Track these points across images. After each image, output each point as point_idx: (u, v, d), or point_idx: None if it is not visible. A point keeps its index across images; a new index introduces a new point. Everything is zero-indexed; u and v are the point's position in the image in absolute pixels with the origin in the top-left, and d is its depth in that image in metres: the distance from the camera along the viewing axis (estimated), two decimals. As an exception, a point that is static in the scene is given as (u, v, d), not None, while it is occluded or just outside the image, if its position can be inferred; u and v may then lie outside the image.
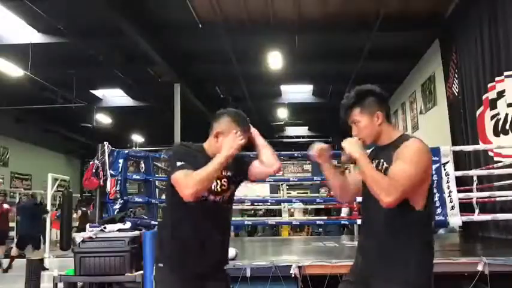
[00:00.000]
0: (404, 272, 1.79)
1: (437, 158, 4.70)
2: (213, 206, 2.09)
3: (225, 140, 2.02)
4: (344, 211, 8.63)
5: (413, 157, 1.78)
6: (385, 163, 1.88)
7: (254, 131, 2.20)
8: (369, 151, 2.07)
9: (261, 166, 2.22)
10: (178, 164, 1.95)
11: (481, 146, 6.16)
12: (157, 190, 6.22)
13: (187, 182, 1.89)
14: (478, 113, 6.62)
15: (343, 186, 2.06)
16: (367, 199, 1.95)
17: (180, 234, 2.06)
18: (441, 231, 7.15)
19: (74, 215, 15.19)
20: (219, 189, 2.10)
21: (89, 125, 14.53)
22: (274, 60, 9.76)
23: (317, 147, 2.00)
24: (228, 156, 1.97)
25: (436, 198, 4.68)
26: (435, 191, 4.68)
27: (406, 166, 1.76)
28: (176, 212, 2.07)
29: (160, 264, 2.06)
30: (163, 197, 2.44)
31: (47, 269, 7.96)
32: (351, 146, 1.91)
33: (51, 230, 13.22)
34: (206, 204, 2.06)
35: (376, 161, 1.93)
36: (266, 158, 2.21)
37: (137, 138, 18.84)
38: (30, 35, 8.85)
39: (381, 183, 1.77)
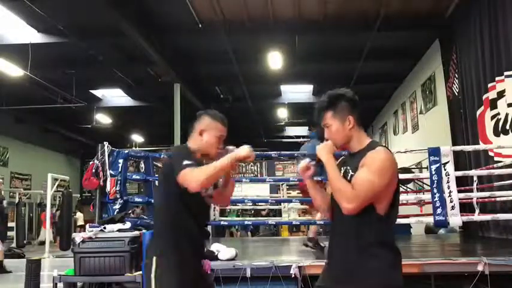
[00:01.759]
0: (368, 277, 1.83)
1: (438, 158, 4.70)
2: (203, 200, 2.32)
3: (241, 148, 2.23)
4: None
5: (377, 167, 1.82)
6: (351, 171, 1.92)
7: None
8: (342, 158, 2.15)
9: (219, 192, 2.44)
10: (186, 162, 2.11)
11: (481, 146, 6.16)
12: (157, 190, 6.21)
13: (197, 175, 2.07)
14: (478, 113, 6.62)
15: (326, 201, 2.10)
16: (334, 203, 1.99)
17: (183, 225, 2.22)
18: (441, 231, 7.16)
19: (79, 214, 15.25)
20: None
21: (89, 125, 14.53)
22: (274, 60, 9.76)
23: (301, 165, 2.09)
24: (236, 158, 2.18)
25: (436, 198, 4.68)
26: (435, 191, 4.68)
27: (369, 175, 1.81)
28: (176, 205, 2.21)
29: (166, 256, 2.15)
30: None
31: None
32: (321, 149, 1.98)
33: (52, 229, 13.26)
34: (199, 198, 2.27)
35: (344, 169, 1.98)
36: (226, 194, 2.46)
37: (137, 138, 18.84)
38: (30, 35, 8.85)
39: (343, 191, 1.84)
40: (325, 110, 2.00)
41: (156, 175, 6.23)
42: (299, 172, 2.10)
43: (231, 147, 2.30)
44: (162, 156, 6.23)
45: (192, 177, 2.06)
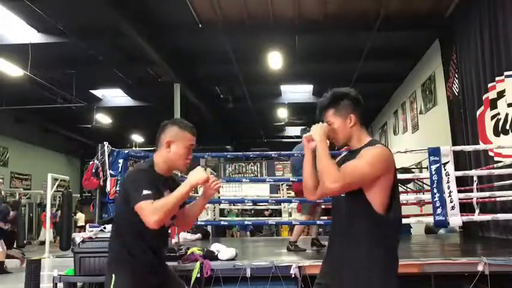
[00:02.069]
0: (364, 278, 1.83)
1: (437, 158, 4.70)
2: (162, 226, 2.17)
3: (192, 172, 2.10)
4: None
5: (370, 158, 1.85)
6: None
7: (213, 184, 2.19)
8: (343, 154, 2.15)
9: (183, 214, 2.30)
10: (145, 192, 1.99)
11: (481, 146, 6.16)
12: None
13: (154, 212, 1.95)
14: (478, 113, 6.62)
15: (315, 181, 2.06)
16: (336, 202, 2.02)
17: (136, 249, 2.12)
18: (441, 231, 7.16)
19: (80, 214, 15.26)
20: None
21: (89, 125, 14.53)
22: (274, 60, 9.76)
23: (311, 132, 2.01)
24: (192, 185, 2.06)
25: (436, 198, 4.68)
26: (435, 191, 4.68)
27: (360, 163, 1.84)
28: (132, 228, 2.11)
29: (117, 272, 2.10)
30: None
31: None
32: (315, 129, 1.98)
33: (54, 229, 13.27)
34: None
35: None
36: (192, 216, 2.36)
37: (137, 138, 18.84)
38: (30, 35, 8.86)
39: (330, 170, 1.84)
40: (327, 108, 2.02)
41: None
42: (303, 140, 2.04)
43: (201, 165, 2.23)
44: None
45: (149, 214, 1.96)
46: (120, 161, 5.30)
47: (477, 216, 4.99)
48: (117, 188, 5.12)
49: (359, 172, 1.83)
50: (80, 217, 15.14)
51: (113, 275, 2.09)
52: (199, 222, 6.15)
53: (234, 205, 11.52)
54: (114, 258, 2.17)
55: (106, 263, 2.21)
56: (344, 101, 2.00)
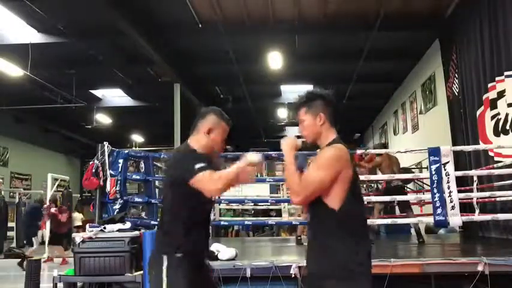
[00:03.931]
0: (327, 268, 1.94)
1: (438, 158, 4.70)
2: (209, 203, 2.35)
3: (251, 154, 2.27)
4: None
5: (323, 162, 1.97)
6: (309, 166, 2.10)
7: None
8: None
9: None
10: (199, 165, 2.10)
11: (481, 146, 6.15)
12: (157, 190, 6.21)
13: (215, 181, 2.09)
14: (478, 113, 6.62)
15: None
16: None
17: (194, 227, 2.24)
18: (441, 231, 7.16)
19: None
20: None
21: (89, 125, 14.53)
22: (274, 60, 9.75)
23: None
24: (247, 164, 2.19)
25: (436, 198, 4.68)
26: (435, 191, 4.68)
27: (315, 171, 1.96)
28: (188, 207, 2.22)
29: (178, 255, 2.16)
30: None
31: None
32: (284, 142, 2.11)
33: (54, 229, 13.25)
34: (206, 201, 2.27)
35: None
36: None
37: (137, 138, 18.84)
38: (30, 35, 8.85)
39: (292, 184, 1.99)
40: (300, 106, 2.15)
41: (157, 175, 6.24)
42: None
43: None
44: (162, 156, 6.23)
45: (209, 183, 2.08)
46: (120, 161, 5.31)
47: (477, 216, 4.99)
48: (117, 188, 5.13)
49: (315, 180, 1.94)
50: (77, 217, 15.06)
51: (164, 257, 2.15)
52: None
53: (228, 205, 11.50)
54: (166, 243, 2.22)
55: (154, 250, 2.27)
56: (316, 100, 2.11)
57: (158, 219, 2.43)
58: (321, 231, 2.01)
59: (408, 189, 8.60)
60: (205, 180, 2.08)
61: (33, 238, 9.85)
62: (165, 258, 2.15)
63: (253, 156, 2.23)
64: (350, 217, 1.96)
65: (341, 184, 1.94)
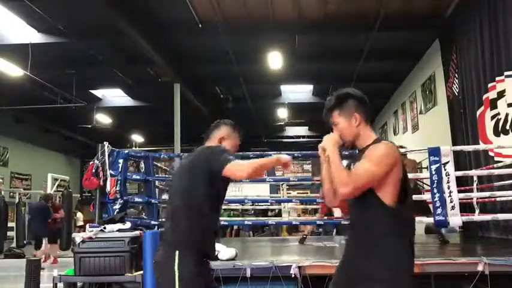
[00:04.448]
0: (377, 269, 1.86)
1: (437, 158, 4.69)
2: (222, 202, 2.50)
3: (284, 155, 2.43)
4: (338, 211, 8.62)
5: (376, 157, 1.89)
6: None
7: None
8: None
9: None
10: (230, 157, 2.25)
11: (481, 146, 6.15)
12: (157, 190, 6.21)
13: (246, 166, 2.22)
14: (478, 113, 6.62)
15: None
16: (350, 202, 2.06)
17: (210, 225, 2.34)
18: (441, 231, 7.14)
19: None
20: None
21: (89, 125, 14.53)
22: (274, 60, 9.76)
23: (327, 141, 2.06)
24: (277, 160, 2.37)
25: (436, 198, 4.67)
26: (435, 191, 4.68)
27: (367, 164, 1.89)
28: (206, 205, 2.29)
29: (191, 249, 2.23)
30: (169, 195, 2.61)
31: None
32: (327, 140, 2.03)
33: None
34: (222, 200, 2.45)
35: (352, 166, 2.05)
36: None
37: (137, 138, 18.84)
38: (30, 35, 8.86)
39: (341, 176, 1.89)
40: (333, 109, 2.07)
41: (156, 175, 6.24)
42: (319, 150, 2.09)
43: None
44: (162, 156, 6.23)
45: (242, 167, 2.21)
46: (120, 161, 5.30)
47: (477, 216, 4.99)
48: (117, 188, 5.13)
49: (367, 173, 1.87)
50: (79, 217, 15.10)
51: (177, 252, 2.20)
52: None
53: (227, 205, 11.51)
54: (178, 238, 2.27)
55: (165, 245, 2.32)
56: (348, 101, 2.04)
57: (164, 218, 2.55)
58: (376, 229, 1.91)
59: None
60: (237, 166, 2.21)
61: (43, 239, 9.80)
62: (177, 252, 2.20)
63: (284, 156, 2.39)
64: (406, 215, 1.94)
65: (394, 181, 1.89)
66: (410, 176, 6.90)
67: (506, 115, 5.78)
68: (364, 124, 2.04)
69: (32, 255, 9.03)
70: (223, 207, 10.91)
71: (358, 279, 1.91)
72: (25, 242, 11.17)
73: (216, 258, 3.79)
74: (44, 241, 9.83)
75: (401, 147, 6.67)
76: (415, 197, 6.68)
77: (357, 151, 2.10)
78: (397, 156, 1.93)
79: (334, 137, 2.04)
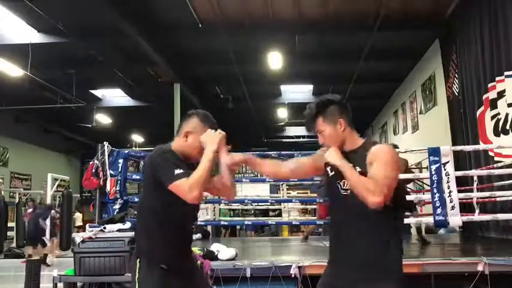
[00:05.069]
0: (382, 269, 1.89)
1: (437, 158, 4.69)
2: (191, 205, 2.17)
3: (204, 137, 2.12)
4: None
5: (389, 160, 1.90)
6: (358, 167, 1.95)
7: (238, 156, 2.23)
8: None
9: (219, 185, 2.26)
10: (177, 172, 1.99)
11: (481, 146, 6.15)
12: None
13: (191, 187, 1.97)
14: (478, 113, 6.62)
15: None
16: (334, 204, 2.06)
17: (169, 226, 2.12)
18: (441, 231, 7.15)
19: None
20: None
21: (89, 125, 14.53)
22: (274, 60, 9.76)
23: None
24: (214, 151, 2.07)
25: (436, 198, 4.67)
26: (435, 191, 4.68)
27: (385, 168, 1.88)
28: (166, 213, 2.11)
29: (163, 266, 2.07)
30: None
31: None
32: (331, 156, 1.99)
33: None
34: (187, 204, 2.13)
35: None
36: (231, 185, 2.28)
37: (137, 138, 18.84)
38: (30, 35, 8.85)
39: (367, 185, 1.85)
40: (316, 117, 2.07)
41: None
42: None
43: (228, 147, 2.20)
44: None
45: (187, 191, 1.97)
46: (120, 161, 5.31)
47: (477, 216, 4.98)
48: (117, 188, 5.13)
49: (390, 179, 1.87)
50: (78, 217, 15.08)
51: (138, 260, 2.09)
52: (199, 222, 6.15)
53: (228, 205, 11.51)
54: (140, 246, 2.15)
55: (135, 250, 2.20)
56: (330, 107, 2.05)
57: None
58: (370, 229, 1.92)
59: (408, 189, 8.62)
60: (182, 187, 1.97)
61: (43, 238, 9.89)
62: (137, 261, 2.08)
63: (214, 138, 2.10)
64: (400, 214, 1.97)
65: (396, 183, 1.92)
66: (410, 176, 6.93)
67: (506, 115, 5.78)
68: (349, 128, 2.04)
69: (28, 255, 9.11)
70: (224, 207, 10.98)
71: (362, 281, 1.90)
72: (25, 241, 11.21)
73: (216, 258, 3.79)
74: (46, 239, 9.90)
75: (395, 146, 6.69)
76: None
77: (343, 152, 2.07)
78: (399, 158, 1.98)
79: (335, 151, 2.00)
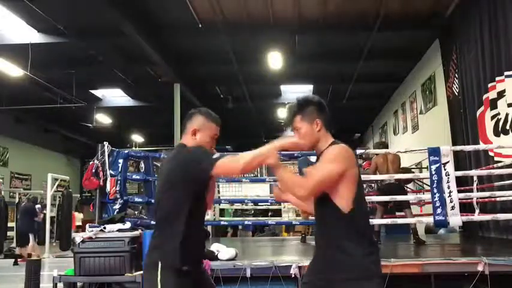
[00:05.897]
0: (345, 270, 1.91)
1: (438, 158, 4.69)
2: (205, 205, 2.27)
3: (284, 137, 2.19)
4: None
5: (330, 158, 1.96)
6: None
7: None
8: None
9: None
10: (216, 155, 2.11)
11: (481, 146, 6.15)
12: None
13: (239, 159, 2.06)
14: (478, 113, 6.62)
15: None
16: (314, 204, 2.12)
17: (192, 229, 2.15)
18: (441, 231, 7.16)
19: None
20: None
21: (89, 125, 14.53)
22: (274, 60, 9.76)
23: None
24: (276, 148, 2.05)
25: (436, 198, 4.68)
26: (435, 191, 4.68)
27: (321, 165, 1.97)
28: (191, 215, 2.14)
29: (185, 268, 2.10)
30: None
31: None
32: (271, 158, 2.03)
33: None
34: (204, 203, 2.23)
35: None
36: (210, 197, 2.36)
37: (137, 138, 18.84)
38: (30, 35, 8.86)
39: (294, 180, 1.97)
40: (295, 115, 2.12)
41: (156, 175, 6.23)
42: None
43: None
44: (161, 156, 6.23)
45: (235, 162, 2.06)
46: (120, 161, 5.30)
47: (477, 216, 4.99)
48: (117, 188, 5.13)
49: (323, 172, 1.92)
50: (77, 217, 15.08)
51: (159, 262, 2.08)
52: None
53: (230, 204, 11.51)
54: (163, 249, 2.14)
55: (150, 251, 2.19)
56: (309, 106, 2.10)
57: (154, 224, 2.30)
58: (334, 234, 1.97)
59: (408, 189, 8.62)
60: (229, 161, 2.07)
61: (29, 234, 9.87)
62: (159, 263, 2.09)
63: (287, 139, 2.13)
64: (360, 218, 1.98)
65: (348, 184, 1.93)
66: (410, 176, 6.92)
67: (506, 115, 5.79)
68: (325, 130, 2.09)
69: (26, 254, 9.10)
70: (225, 207, 10.98)
71: (328, 280, 1.95)
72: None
73: (216, 258, 3.79)
74: (31, 236, 9.88)
75: (383, 143, 6.71)
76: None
77: (316, 156, 2.15)
78: (352, 158, 1.98)
79: (274, 145, 2.03)
